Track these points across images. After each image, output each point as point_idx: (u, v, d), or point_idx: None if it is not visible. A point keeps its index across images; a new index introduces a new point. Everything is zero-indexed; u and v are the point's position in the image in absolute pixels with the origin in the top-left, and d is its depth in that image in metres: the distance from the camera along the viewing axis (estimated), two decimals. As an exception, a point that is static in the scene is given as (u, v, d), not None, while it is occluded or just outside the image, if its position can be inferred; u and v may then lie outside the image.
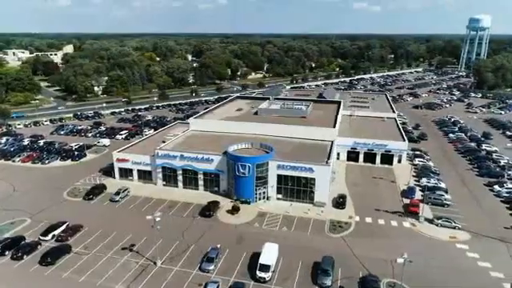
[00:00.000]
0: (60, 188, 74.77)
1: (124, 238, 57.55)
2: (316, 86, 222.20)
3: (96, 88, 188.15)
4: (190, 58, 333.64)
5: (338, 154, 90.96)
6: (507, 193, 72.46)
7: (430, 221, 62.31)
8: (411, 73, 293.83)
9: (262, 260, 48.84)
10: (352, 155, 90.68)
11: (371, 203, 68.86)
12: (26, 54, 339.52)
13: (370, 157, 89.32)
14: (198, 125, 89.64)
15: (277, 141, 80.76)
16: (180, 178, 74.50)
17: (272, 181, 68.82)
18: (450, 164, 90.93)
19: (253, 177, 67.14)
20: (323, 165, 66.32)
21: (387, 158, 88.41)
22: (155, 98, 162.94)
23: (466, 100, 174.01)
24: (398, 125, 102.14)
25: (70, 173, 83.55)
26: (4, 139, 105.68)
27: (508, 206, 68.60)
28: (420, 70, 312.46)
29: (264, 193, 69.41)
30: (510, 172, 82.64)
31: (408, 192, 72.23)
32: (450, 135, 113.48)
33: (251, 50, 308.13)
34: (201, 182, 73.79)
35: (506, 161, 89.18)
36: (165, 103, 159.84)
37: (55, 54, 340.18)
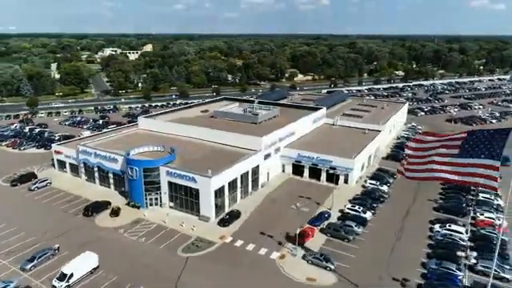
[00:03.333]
0: (3, 173, 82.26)
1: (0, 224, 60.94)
2: (357, 91, 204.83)
3: (140, 84, 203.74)
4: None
5: (284, 167, 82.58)
6: (442, 235, 57.03)
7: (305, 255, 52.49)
8: (491, 80, 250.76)
9: (63, 268, 46.86)
10: (302, 169, 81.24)
11: (265, 225, 60.83)
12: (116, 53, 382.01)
13: (316, 172, 78.95)
14: (146, 124, 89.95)
15: (201, 145, 77.34)
16: (96, 174, 75.83)
17: (165, 187, 65.61)
18: (413, 190, 74.95)
19: (140, 181, 64.85)
20: (206, 176, 60.57)
21: (334, 176, 77.08)
22: (173, 96, 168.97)
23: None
24: (372, 139, 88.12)
25: (29, 160, 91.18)
26: (13, 125, 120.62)
27: (430, 251, 53.99)
28: (507, 77, 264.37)
29: (157, 199, 66.56)
30: (478, 210, 65.01)
31: (315, 218, 62.01)
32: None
33: (310, 51, 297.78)
34: (111, 181, 74.03)
35: (487, 195, 70.29)
36: (183, 101, 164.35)
37: (136, 53, 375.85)
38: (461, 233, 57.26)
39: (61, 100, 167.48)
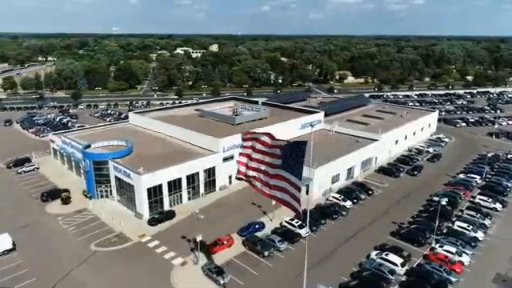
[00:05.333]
0: (10, 156, 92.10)
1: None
2: (405, 96, 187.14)
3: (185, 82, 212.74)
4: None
5: (253, 171, 78.96)
6: (372, 265, 49.11)
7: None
8: None
9: (-25, 246, 50.92)
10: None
11: (194, 229, 58.61)
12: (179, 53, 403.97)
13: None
14: (135, 120, 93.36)
15: (173, 143, 78.78)
16: (73, 163, 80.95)
17: (113, 181, 67.43)
18: (385, 208, 66.09)
19: (91, 173, 67.52)
20: (137, 173, 60.68)
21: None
22: (204, 94, 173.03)
23: None
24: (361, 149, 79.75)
25: (41, 146, 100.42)
26: (49, 115, 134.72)
27: (346, 281, 46.89)
28: None
29: (107, 191, 68.72)
30: (443, 240, 54.77)
31: (244, 228, 58.27)
32: (459, 176, 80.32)
33: (369, 53, 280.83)
34: (81, 171, 78.26)
35: (465, 225, 58.72)
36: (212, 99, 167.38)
37: (198, 52, 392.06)
38: (395, 264, 48.77)
39: (108, 94, 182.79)
